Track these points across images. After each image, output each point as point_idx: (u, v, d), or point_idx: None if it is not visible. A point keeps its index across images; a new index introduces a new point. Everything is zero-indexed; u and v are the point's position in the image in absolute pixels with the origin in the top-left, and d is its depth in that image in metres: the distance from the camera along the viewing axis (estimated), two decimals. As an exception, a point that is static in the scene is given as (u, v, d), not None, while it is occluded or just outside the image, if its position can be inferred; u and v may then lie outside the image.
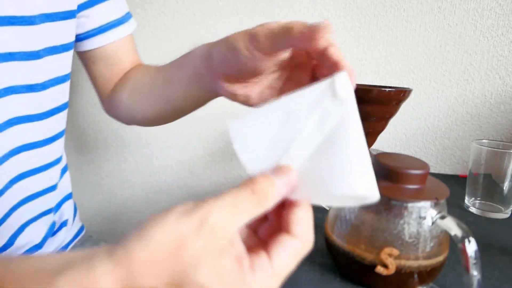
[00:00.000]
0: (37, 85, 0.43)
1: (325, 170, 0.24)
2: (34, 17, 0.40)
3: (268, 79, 0.34)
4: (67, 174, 0.57)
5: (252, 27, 0.31)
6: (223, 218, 0.21)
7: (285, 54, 0.31)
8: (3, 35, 0.38)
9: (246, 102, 0.36)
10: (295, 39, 0.27)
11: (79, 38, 0.51)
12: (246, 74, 0.33)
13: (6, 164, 0.42)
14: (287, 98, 0.26)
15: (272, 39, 0.29)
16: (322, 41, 0.27)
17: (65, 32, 0.46)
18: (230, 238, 0.21)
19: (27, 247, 0.47)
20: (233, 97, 0.36)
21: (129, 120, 0.55)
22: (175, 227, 0.20)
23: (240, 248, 0.22)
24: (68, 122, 0.51)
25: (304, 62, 0.33)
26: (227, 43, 0.33)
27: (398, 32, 0.77)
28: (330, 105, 0.25)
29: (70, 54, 0.48)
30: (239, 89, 0.35)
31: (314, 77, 0.33)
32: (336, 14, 0.78)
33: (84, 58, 0.54)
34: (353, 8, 0.78)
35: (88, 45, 0.52)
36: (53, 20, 0.43)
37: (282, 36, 0.28)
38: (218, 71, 0.35)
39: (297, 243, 0.23)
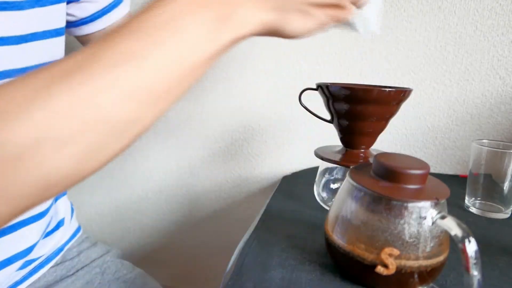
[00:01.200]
0: (30, 68, 0.43)
1: None
2: (23, 2, 0.41)
3: None
4: None
5: None
6: None
7: None
8: None
9: None
10: None
11: (84, 21, 0.52)
12: None
13: None
14: None
15: None
16: None
17: (54, 17, 0.47)
18: None
19: (19, 250, 0.47)
20: None
21: None
22: None
23: None
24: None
25: None
26: None
27: (398, 32, 0.77)
28: None
29: (61, 39, 0.49)
30: None
31: None
32: (336, 14, 0.78)
33: (84, 41, 0.55)
34: (353, 8, 0.78)
35: (91, 28, 0.53)
36: (41, 5, 0.44)
37: None
38: None
39: None
